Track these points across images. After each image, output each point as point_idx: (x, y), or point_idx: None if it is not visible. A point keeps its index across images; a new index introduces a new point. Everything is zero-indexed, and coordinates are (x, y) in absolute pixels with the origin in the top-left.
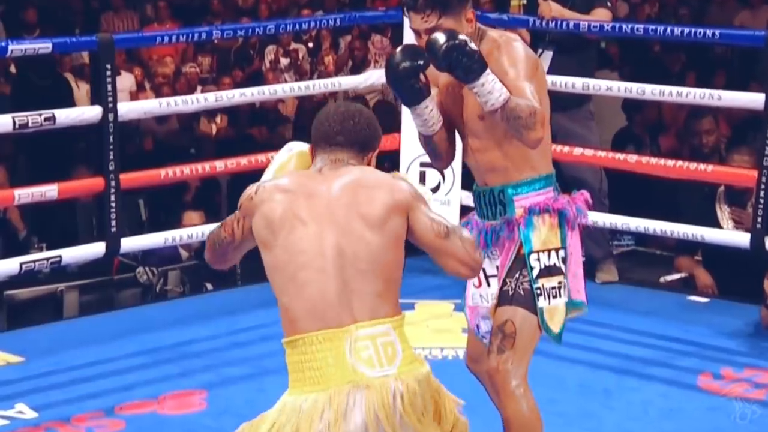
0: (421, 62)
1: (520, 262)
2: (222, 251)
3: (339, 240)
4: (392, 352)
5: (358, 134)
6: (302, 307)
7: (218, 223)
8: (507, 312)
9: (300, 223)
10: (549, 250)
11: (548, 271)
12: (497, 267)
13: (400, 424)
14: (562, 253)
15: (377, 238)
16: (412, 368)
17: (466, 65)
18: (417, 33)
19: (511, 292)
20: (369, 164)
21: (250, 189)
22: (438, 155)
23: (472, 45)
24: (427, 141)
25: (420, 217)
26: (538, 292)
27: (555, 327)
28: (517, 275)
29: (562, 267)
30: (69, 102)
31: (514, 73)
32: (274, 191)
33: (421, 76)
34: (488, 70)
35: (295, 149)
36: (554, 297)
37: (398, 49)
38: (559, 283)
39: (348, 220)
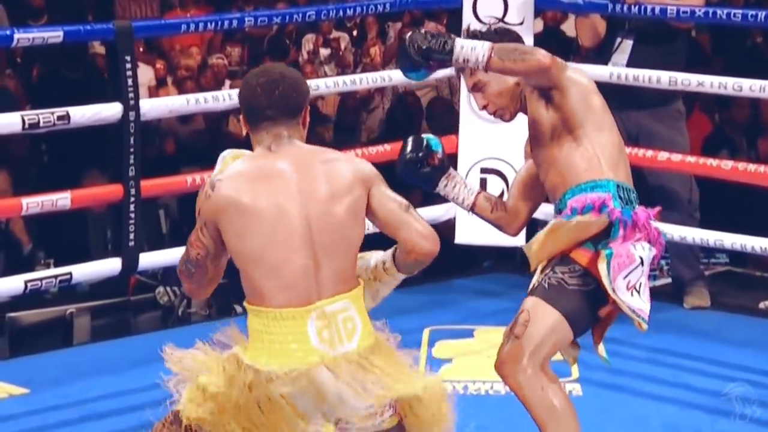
0: (422, 153)
1: (556, 258)
2: (200, 273)
3: (306, 215)
4: (352, 327)
5: (286, 103)
6: (271, 283)
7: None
8: (527, 303)
9: (267, 204)
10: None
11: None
12: None
13: (360, 395)
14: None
15: (342, 211)
16: (371, 342)
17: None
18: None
19: (536, 285)
20: (305, 122)
21: (205, 189)
22: (496, 226)
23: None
24: (473, 214)
25: (384, 191)
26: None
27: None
28: (547, 270)
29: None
30: (105, 97)
31: None
32: (232, 181)
33: (435, 159)
34: (458, 40)
35: (229, 155)
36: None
37: (408, 141)
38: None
39: (313, 194)
